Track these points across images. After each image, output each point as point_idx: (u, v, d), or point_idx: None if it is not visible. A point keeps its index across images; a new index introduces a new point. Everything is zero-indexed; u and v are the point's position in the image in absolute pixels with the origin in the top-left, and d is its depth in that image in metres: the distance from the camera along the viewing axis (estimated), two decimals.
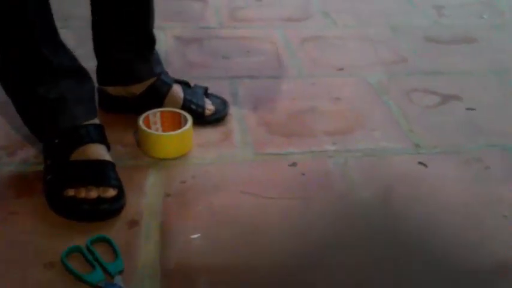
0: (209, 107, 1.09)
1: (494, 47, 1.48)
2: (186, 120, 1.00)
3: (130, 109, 1.04)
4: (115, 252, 0.76)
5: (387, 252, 0.80)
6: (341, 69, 1.33)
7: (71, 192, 0.82)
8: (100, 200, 0.82)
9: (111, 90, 1.05)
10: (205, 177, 0.94)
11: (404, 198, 0.91)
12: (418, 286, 0.75)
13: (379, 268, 0.77)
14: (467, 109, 1.18)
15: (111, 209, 0.82)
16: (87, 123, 0.89)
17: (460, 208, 0.89)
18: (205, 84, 1.13)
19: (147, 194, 0.88)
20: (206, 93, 1.12)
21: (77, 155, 0.86)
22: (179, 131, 0.97)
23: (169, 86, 1.06)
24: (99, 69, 1.05)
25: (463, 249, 0.81)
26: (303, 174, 0.95)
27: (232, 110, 1.12)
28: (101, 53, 1.04)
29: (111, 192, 0.83)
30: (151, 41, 1.04)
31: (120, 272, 0.73)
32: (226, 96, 1.15)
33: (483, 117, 1.15)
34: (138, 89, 1.04)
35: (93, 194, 0.82)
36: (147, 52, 1.05)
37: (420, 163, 0.98)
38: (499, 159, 1.02)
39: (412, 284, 0.75)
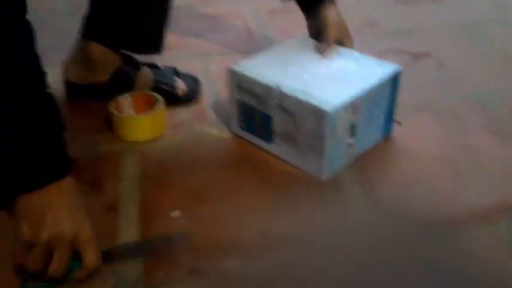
0: (181, 86, 1.08)
1: (461, 2, 1.48)
2: (158, 102, 0.99)
3: (100, 97, 1.03)
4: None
5: (361, 210, 0.81)
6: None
7: None
8: None
9: (75, 78, 1.04)
10: (181, 156, 0.94)
11: (379, 157, 0.92)
12: (393, 242, 0.76)
13: (354, 228, 0.78)
14: (438, 64, 1.19)
15: None
16: None
17: (435, 160, 0.90)
18: (177, 64, 1.12)
19: (123, 178, 0.88)
20: (176, 72, 1.11)
21: None
22: (151, 112, 0.97)
23: (137, 69, 1.05)
24: (90, 19, 1.00)
25: (438, 199, 0.82)
26: None
27: (205, 88, 1.12)
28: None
29: None
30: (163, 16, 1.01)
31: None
32: (198, 74, 1.14)
33: (454, 71, 1.16)
34: (103, 76, 1.03)
35: None
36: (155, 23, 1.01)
37: (395, 121, 0.99)
38: (471, 109, 1.03)
39: (388, 241, 0.76)
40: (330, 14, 0.99)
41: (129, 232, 0.78)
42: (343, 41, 1.00)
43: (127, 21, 0.98)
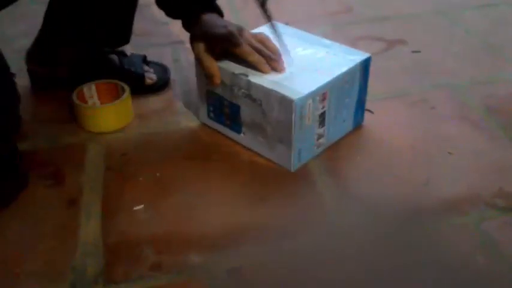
0: (150, 75, 1.05)
1: None
2: (124, 91, 0.96)
3: (64, 86, 1.00)
4: None
5: (331, 201, 0.79)
6: (286, 23, 1.29)
7: None
8: None
9: (38, 68, 1.00)
10: (148, 147, 0.91)
11: (350, 147, 0.90)
12: (364, 233, 0.74)
13: (323, 220, 0.76)
14: (413, 52, 1.17)
15: None
16: None
17: (407, 150, 0.89)
18: (146, 52, 1.09)
19: (86, 171, 0.85)
20: (145, 60, 1.07)
21: None
22: (116, 101, 0.94)
23: (103, 57, 1.01)
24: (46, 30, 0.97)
25: (409, 190, 0.81)
26: None
27: (175, 76, 1.09)
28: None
29: None
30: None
31: None
32: (168, 62, 1.12)
33: (428, 59, 1.14)
34: (65, 70, 0.99)
35: None
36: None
37: (367, 110, 0.97)
38: (444, 98, 1.02)
39: (358, 231, 0.74)
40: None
41: (89, 228, 0.75)
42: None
43: (91, 13, 0.94)
